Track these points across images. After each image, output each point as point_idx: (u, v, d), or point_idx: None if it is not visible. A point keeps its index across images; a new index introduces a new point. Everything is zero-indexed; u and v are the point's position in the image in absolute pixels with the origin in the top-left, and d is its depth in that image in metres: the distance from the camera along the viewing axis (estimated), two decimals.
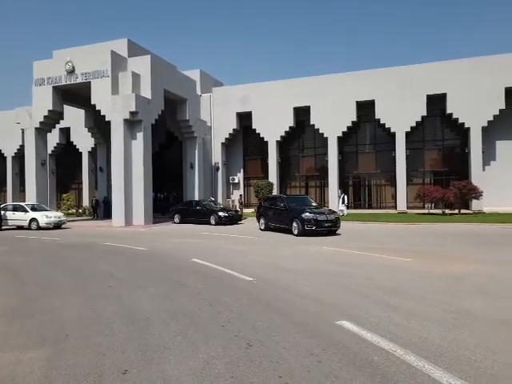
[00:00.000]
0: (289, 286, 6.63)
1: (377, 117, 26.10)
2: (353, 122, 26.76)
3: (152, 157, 22.22)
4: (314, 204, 16.48)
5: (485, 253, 10.23)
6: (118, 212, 20.55)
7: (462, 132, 25.41)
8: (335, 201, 25.83)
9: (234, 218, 20.48)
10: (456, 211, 23.05)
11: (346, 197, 24.91)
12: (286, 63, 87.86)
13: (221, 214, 20.18)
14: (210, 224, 19.94)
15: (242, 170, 30.71)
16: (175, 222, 21.93)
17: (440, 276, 7.36)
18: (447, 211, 23.36)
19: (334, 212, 15.28)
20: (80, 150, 32.42)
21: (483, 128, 24.10)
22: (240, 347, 3.93)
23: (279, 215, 15.83)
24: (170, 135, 28.89)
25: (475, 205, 23.56)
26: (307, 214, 14.36)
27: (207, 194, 27.06)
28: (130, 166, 20.85)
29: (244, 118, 29.20)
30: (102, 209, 27.57)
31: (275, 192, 27.12)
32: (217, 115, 29.19)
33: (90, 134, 27.75)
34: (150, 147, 21.73)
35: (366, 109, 26.32)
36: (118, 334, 4.41)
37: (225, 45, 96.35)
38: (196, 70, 29.25)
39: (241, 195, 27.99)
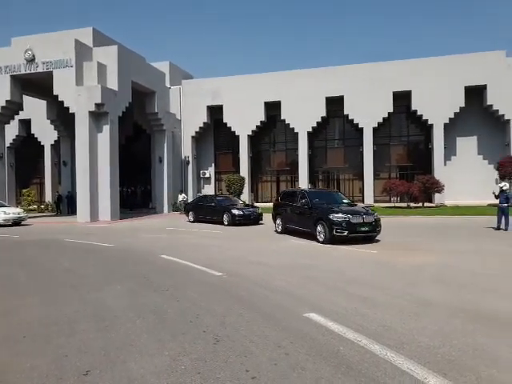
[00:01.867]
0: (259, 280, 6.65)
1: (345, 112, 26.55)
2: (322, 118, 27.10)
3: (119, 150, 21.64)
4: (345, 201, 12.71)
5: (444, 244, 10.67)
6: (83, 207, 19.92)
7: (426, 128, 26.30)
8: None
9: (250, 218, 16.59)
10: (420, 204, 23.90)
11: None
12: (257, 58, 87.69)
13: (235, 211, 16.49)
14: (223, 224, 16.69)
15: (213, 165, 30.47)
16: (190, 221, 18.76)
17: (403, 267, 7.61)
18: (412, 204, 24.17)
19: (372, 212, 11.52)
20: (42, 143, 31.06)
21: (445, 125, 25.03)
22: (208, 343, 3.90)
23: (300, 215, 12.39)
24: (137, 128, 28.22)
25: (438, 198, 24.50)
26: (337, 214, 10.75)
27: (177, 189, 26.68)
28: (96, 159, 20.23)
29: (215, 112, 28.93)
30: (65, 204, 26.64)
31: (246, 187, 27.11)
32: (187, 108, 28.75)
33: (52, 126, 26.66)
34: (116, 140, 21.14)
35: (335, 104, 26.70)
36: (81, 333, 4.27)
37: (196, 39, 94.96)
38: (165, 62, 28.66)
39: (221, 191, 27.29)
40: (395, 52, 77.73)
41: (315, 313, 4.73)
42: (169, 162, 25.82)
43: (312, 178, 28.31)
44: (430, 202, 24.90)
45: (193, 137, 29.06)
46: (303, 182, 26.89)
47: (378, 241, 11.21)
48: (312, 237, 11.52)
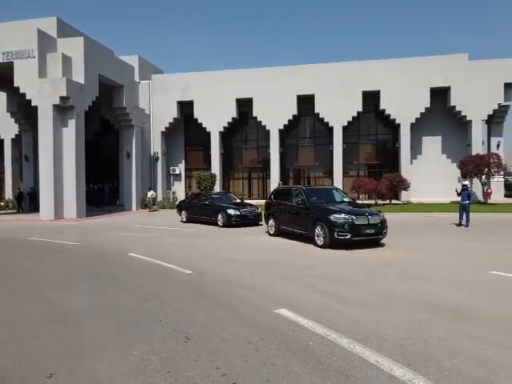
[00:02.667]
0: (229, 277, 6.63)
1: (316, 111, 26.85)
2: (294, 116, 27.29)
3: (86, 146, 20.95)
4: (346, 199, 11.40)
5: (409, 239, 11.04)
6: (47, 205, 19.17)
7: (394, 128, 27.03)
8: None
9: (248, 218, 14.90)
10: (387, 201, 24.58)
11: None
12: (229, 54, 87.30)
13: (231, 211, 14.84)
14: (217, 225, 15.08)
15: (183, 161, 30.06)
16: (182, 221, 16.96)
17: (371, 262, 7.81)
18: (379, 201, 24.82)
19: (377, 211, 10.20)
20: (1, 137, 29.57)
21: (411, 124, 25.82)
22: (177, 341, 3.85)
23: (295, 215, 11.07)
24: (105, 123, 27.41)
25: (404, 196, 25.28)
26: (338, 214, 9.54)
27: (146, 186, 26.16)
28: (61, 155, 19.50)
29: (185, 107, 28.53)
30: (27, 202, 25.52)
31: (218, 184, 26.93)
32: (156, 103, 28.18)
33: (13, 119, 25.45)
34: (82, 135, 20.46)
35: (306, 103, 26.95)
36: (46, 335, 4.11)
37: (167, 33, 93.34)
38: (134, 56, 27.94)
39: (190, 187, 26.38)
40: (366, 53, 79.59)
41: (286, 309, 4.77)
42: (137, 158, 25.27)
43: (283, 176, 28.50)
44: (397, 199, 25.65)
45: (162, 132, 28.55)
46: (275, 180, 27.01)
47: None
48: (309, 240, 10.24)
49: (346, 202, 11.11)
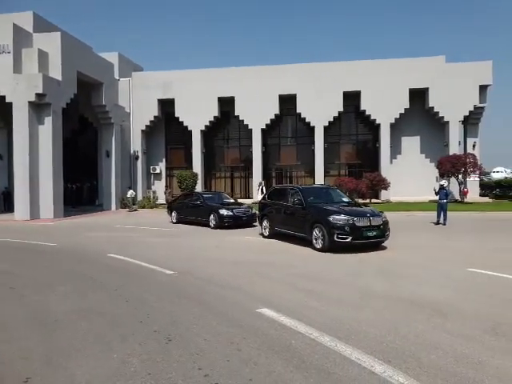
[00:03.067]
0: (213, 277, 6.60)
1: (298, 111, 27.00)
2: (276, 115, 27.36)
3: (63, 144, 20.44)
4: (344, 199, 10.82)
5: (390, 238, 11.20)
6: (22, 204, 18.61)
7: (374, 128, 27.44)
8: (256, 191, 26.27)
9: (242, 219, 14.14)
10: (367, 201, 24.93)
11: (264, 188, 24.84)
12: (210, 54, 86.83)
13: (223, 212, 14.06)
14: (209, 226, 14.31)
15: (164, 160, 29.74)
16: (173, 222, 16.26)
17: (350, 261, 7.91)
18: (360, 201, 25.11)
19: (379, 212, 9.58)
20: None
21: (391, 125, 26.28)
22: (159, 342, 3.80)
23: (292, 216, 10.43)
24: (84, 121, 26.81)
25: (384, 195, 25.71)
26: (337, 215, 8.90)
27: (125, 185, 25.75)
28: (37, 153, 18.97)
29: (166, 106, 28.20)
30: (1, 201, 24.71)
31: (199, 184, 26.75)
32: (136, 101, 27.76)
33: None
34: (60, 133, 19.95)
35: (288, 102, 27.06)
36: (22, 339, 3.99)
37: (149, 31, 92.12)
38: (114, 53, 27.38)
39: (167, 186, 25.93)
40: (346, 52, 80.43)
41: (268, 308, 4.77)
42: (117, 156, 24.83)
43: (265, 175, 28.55)
44: (377, 198, 26.05)
45: (143, 131, 28.16)
46: (257, 179, 27.01)
47: None
48: (306, 243, 9.56)
49: (345, 201, 10.50)
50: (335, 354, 3.50)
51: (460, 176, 23.78)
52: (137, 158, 27.79)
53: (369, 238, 8.90)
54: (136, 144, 27.89)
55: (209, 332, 4.06)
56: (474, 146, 26.46)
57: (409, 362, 3.35)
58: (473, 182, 25.81)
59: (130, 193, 24.04)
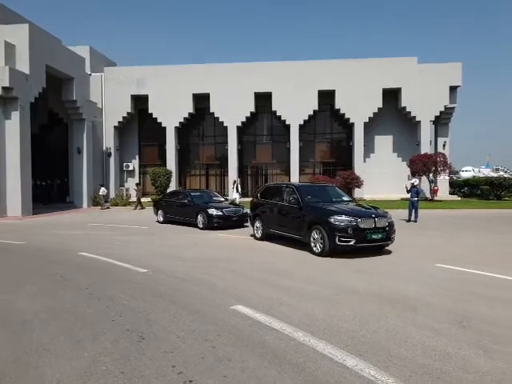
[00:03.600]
0: (186, 275, 6.55)
1: (273, 109, 27.09)
2: (251, 113, 27.36)
3: (32, 140, 19.73)
4: (345, 198, 10.02)
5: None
6: None
7: (348, 127, 27.89)
8: (231, 190, 26.21)
9: (232, 219, 13.42)
10: None
11: (238, 185, 24.63)
12: (184, 49, 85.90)
13: (212, 211, 13.25)
14: (197, 227, 13.49)
15: (137, 157, 29.19)
16: (159, 222, 15.43)
17: (324, 258, 8.00)
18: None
19: (384, 212, 8.75)
20: None
21: (365, 124, 26.79)
22: (132, 341, 3.75)
23: (286, 217, 9.53)
24: (53, 116, 25.96)
25: (357, 193, 26.17)
26: (339, 216, 8.07)
27: (97, 182, 25.13)
28: (3, 149, 18.23)
29: (140, 102, 27.67)
30: None
31: (174, 181, 26.43)
32: (109, 97, 27.11)
33: None
34: (28, 129, 19.24)
35: (263, 100, 27.08)
36: None
37: (122, 25, 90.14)
38: (85, 47, 26.61)
39: (137, 184, 25.37)
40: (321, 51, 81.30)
41: (243, 305, 4.78)
42: (89, 153, 24.18)
43: (241, 173, 28.54)
44: (351, 196, 26.49)
45: (115, 127, 27.54)
46: (233, 177, 26.93)
47: None
48: (303, 245, 8.74)
49: (345, 200, 9.75)
50: (309, 349, 3.55)
51: (431, 175, 24.50)
52: (109, 154, 27.17)
53: (373, 242, 8.05)
54: (108, 141, 27.27)
55: (183, 330, 4.03)
56: (444, 145, 27.32)
57: (379, 356, 3.44)
58: (443, 180, 26.66)
59: (102, 190, 23.51)
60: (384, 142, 27.98)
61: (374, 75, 26.08)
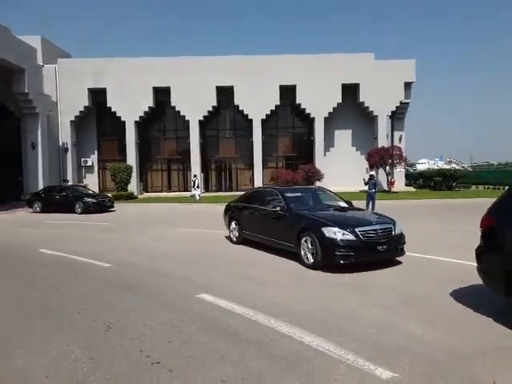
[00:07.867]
0: (152, 268, 6.62)
1: (236, 103, 27.19)
2: (214, 107, 27.31)
3: None
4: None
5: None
6: None
7: (309, 121, 28.54)
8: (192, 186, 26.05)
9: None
10: None
11: (197, 181, 23.72)
12: (141, 42, 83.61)
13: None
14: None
15: (96, 152, 28.39)
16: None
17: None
18: None
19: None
20: None
21: (325, 118, 27.52)
22: (99, 330, 3.85)
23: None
24: (4, 110, 24.66)
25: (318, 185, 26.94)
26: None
27: (54, 179, 24.22)
28: None
29: (97, 95, 26.85)
30: None
31: (134, 176, 25.95)
32: (64, 90, 26.10)
33: None
34: None
35: (226, 94, 27.12)
36: None
37: (77, 14, 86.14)
38: (36, 37, 25.22)
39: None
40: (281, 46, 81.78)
41: (207, 293, 4.97)
42: (44, 149, 23.22)
43: (204, 167, 28.50)
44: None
45: (72, 121, 26.60)
46: (196, 171, 26.84)
47: None
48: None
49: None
50: (269, 329, 3.81)
51: (387, 167, 25.64)
52: (66, 150, 26.26)
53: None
54: (65, 135, 26.33)
55: (149, 317, 4.17)
56: (400, 138, 28.61)
57: (333, 332, 3.75)
58: (399, 172, 27.94)
59: None
60: (343, 136, 28.88)
61: (334, 70, 26.74)
